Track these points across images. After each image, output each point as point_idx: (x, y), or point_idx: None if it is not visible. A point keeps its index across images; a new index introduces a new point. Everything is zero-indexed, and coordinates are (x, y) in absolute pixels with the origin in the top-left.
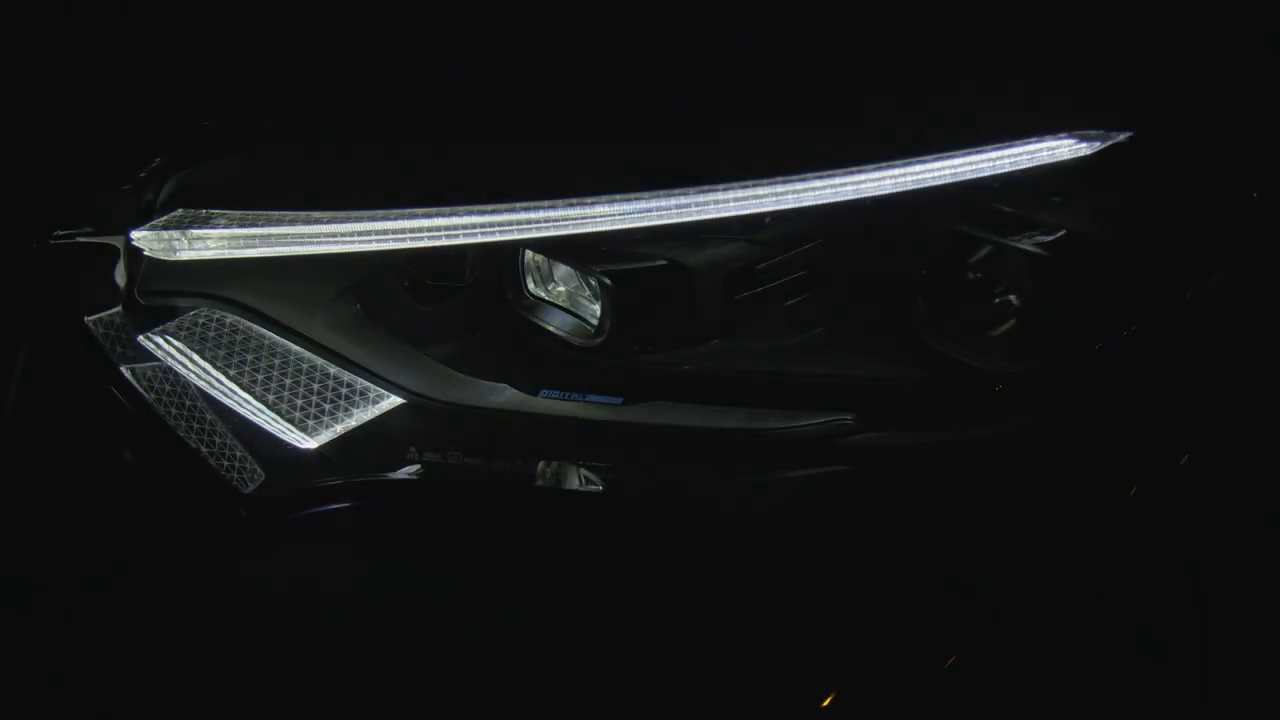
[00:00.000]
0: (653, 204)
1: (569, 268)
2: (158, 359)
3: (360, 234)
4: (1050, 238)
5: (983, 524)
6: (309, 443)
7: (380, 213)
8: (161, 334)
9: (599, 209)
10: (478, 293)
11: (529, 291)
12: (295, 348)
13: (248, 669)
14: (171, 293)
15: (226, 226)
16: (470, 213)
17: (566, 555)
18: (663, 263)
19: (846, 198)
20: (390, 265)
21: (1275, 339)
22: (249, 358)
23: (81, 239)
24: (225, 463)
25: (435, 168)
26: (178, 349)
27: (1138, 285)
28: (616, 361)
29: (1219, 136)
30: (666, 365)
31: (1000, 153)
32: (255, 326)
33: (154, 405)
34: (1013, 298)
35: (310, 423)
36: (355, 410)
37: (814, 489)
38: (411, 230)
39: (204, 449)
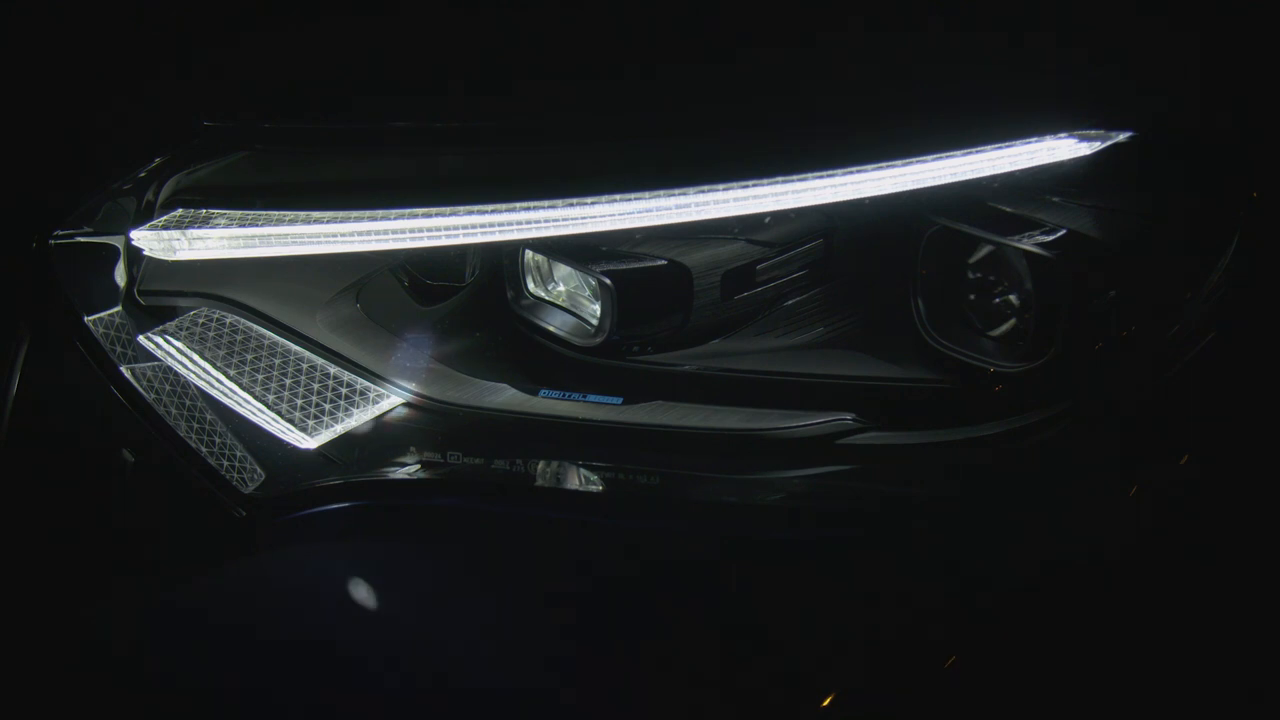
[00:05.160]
0: (653, 204)
1: (569, 268)
2: (158, 359)
3: (360, 234)
4: (1050, 238)
5: (983, 523)
6: (309, 443)
7: (380, 213)
8: (161, 334)
9: (599, 209)
10: (478, 292)
11: (529, 291)
12: (295, 348)
13: (247, 668)
14: (171, 293)
15: (226, 226)
16: (470, 213)
17: (565, 555)
18: (663, 263)
19: (846, 198)
20: (390, 265)
21: (1275, 339)
22: (249, 358)
23: (81, 239)
24: (225, 463)
25: (435, 167)
26: (178, 349)
27: (1137, 285)
28: (616, 361)
29: (1219, 136)
30: (666, 365)
31: (1000, 153)
32: (255, 326)
33: (154, 405)
34: (1013, 298)
35: (310, 423)
36: (355, 410)
37: (814, 489)
38: (411, 230)
39: (204, 449)
